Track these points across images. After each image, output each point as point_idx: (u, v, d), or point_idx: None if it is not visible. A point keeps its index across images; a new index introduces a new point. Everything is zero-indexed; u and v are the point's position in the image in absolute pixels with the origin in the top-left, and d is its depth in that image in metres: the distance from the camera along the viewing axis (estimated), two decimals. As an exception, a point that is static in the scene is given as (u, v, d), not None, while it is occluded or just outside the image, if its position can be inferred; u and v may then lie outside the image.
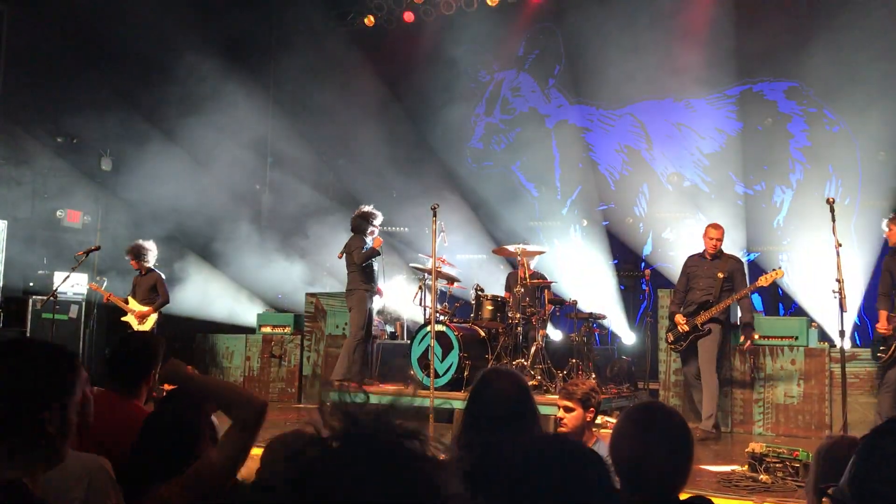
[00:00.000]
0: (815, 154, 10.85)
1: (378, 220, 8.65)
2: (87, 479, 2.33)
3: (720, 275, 7.39)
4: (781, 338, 7.82)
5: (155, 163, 11.03)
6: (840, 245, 6.06)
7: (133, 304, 9.19)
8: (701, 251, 7.70)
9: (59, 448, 1.89)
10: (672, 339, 7.60)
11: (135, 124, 11.04)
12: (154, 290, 9.26)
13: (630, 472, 2.23)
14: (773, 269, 7.34)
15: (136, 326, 9.06)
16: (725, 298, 7.27)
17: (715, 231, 7.56)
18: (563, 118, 12.76)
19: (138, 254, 9.21)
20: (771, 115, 11.27)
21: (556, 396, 7.01)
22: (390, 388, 8.41)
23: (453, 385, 8.01)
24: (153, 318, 9.20)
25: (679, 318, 7.49)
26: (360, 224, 8.59)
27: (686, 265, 7.80)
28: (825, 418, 7.47)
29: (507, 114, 13.26)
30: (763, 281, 7.27)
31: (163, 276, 9.43)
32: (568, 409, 3.97)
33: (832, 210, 6.11)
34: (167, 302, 9.40)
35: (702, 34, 11.04)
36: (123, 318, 9.21)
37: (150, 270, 9.31)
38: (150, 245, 9.32)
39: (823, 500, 1.91)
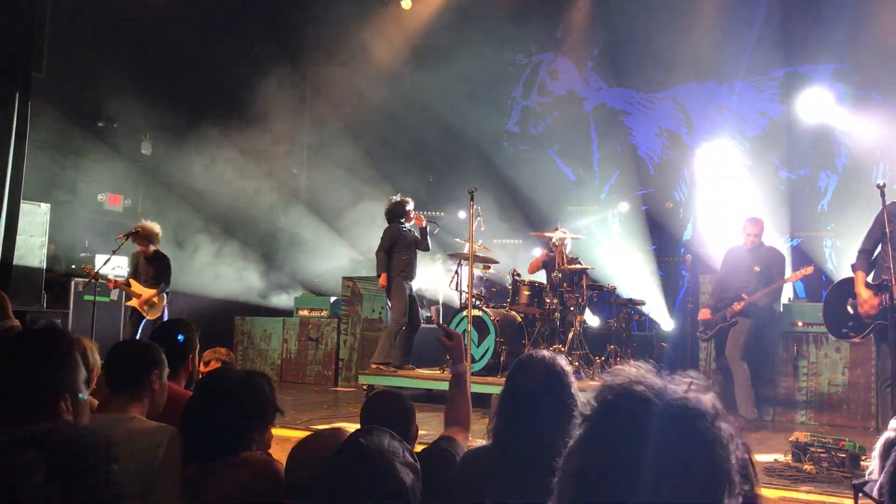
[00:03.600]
0: (862, 138, 10.56)
1: (410, 206, 8.61)
2: (164, 445, 2.47)
3: (756, 268, 7.20)
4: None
5: (194, 146, 11.11)
6: (890, 231, 5.86)
7: (137, 287, 8.77)
8: (741, 244, 7.50)
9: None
10: (700, 328, 7.50)
11: (174, 108, 11.12)
12: (159, 274, 8.83)
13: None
14: (805, 266, 7.12)
15: (143, 312, 8.67)
16: (760, 291, 7.10)
17: (752, 227, 7.31)
18: (602, 101, 12.60)
19: (150, 235, 8.80)
20: (815, 98, 10.98)
21: (597, 382, 6.95)
22: (425, 372, 8.39)
23: (489, 370, 7.97)
24: (161, 302, 8.79)
25: (704, 311, 7.44)
26: (392, 214, 8.57)
27: (726, 256, 7.63)
28: (871, 408, 7.29)
29: (544, 97, 13.13)
30: (793, 277, 7.09)
31: (170, 260, 9.00)
32: None
33: (883, 195, 5.91)
34: (169, 286, 8.97)
35: (746, 15, 10.79)
36: (128, 303, 8.88)
37: (157, 252, 8.89)
38: (157, 227, 8.92)
39: (860, 497, 1.84)
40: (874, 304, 5.87)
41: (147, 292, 8.73)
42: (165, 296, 8.91)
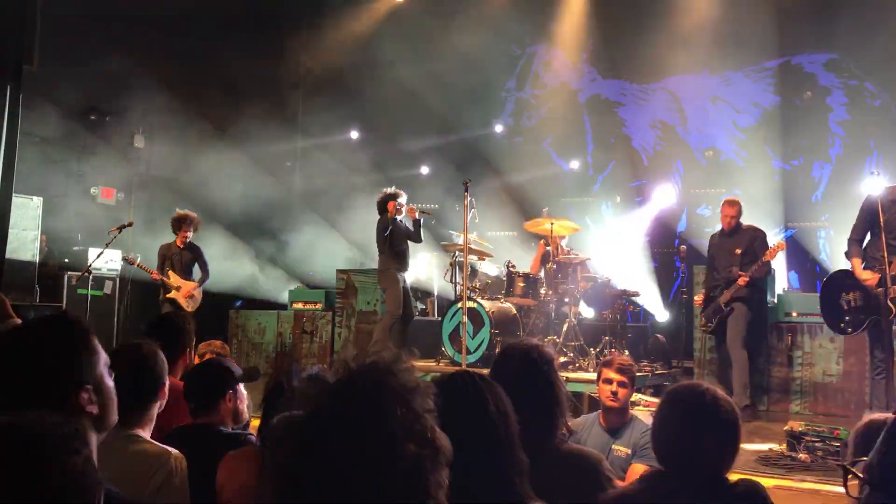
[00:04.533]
0: (856, 128, 10.59)
1: (402, 199, 8.57)
2: (165, 471, 2.34)
3: (737, 250, 7.27)
4: (820, 315, 7.65)
5: (186, 139, 11.06)
6: (885, 221, 5.87)
7: (176, 279, 8.69)
8: (720, 228, 7.59)
9: (106, 416, 1.85)
10: (704, 321, 7.56)
11: (166, 101, 11.06)
12: (195, 265, 8.84)
13: (676, 457, 2.16)
14: (776, 243, 7.22)
15: (184, 304, 8.59)
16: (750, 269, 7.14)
17: (730, 208, 7.41)
18: (596, 93, 12.58)
19: (192, 224, 8.72)
20: (810, 88, 11.01)
21: (592, 373, 6.96)
22: (421, 364, 8.39)
23: (484, 361, 7.96)
24: (200, 294, 8.79)
25: (697, 297, 7.58)
26: (383, 206, 8.54)
27: (709, 245, 7.74)
28: (865, 397, 7.31)
29: (538, 88, 13.10)
30: (768, 255, 7.09)
31: (203, 250, 9.02)
32: (622, 385, 3.94)
33: (877, 185, 5.93)
34: (209, 277, 9.00)
35: (739, 5, 10.78)
36: (168, 296, 8.69)
37: (191, 243, 8.88)
38: (195, 216, 8.89)
39: (849, 478, 1.84)
40: (877, 279, 5.91)
41: (188, 284, 8.66)
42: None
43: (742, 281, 7.12)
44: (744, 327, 7.18)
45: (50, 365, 1.75)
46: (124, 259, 8.86)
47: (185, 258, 8.75)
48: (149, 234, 10.33)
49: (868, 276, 5.94)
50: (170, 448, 2.45)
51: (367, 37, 12.66)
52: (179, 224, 8.71)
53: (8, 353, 1.78)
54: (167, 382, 2.64)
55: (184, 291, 8.61)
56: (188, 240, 8.74)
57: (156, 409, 2.59)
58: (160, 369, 2.59)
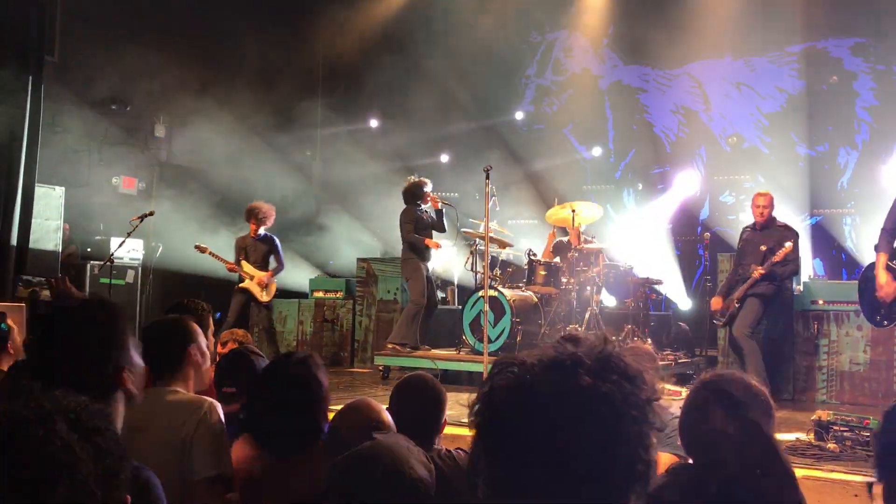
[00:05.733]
0: (883, 113, 10.40)
1: (428, 188, 8.54)
2: (199, 414, 2.54)
3: (762, 247, 7.03)
4: (847, 303, 7.52)
5: (207, 129, 11.08)
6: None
7: (251, 269, 8.69)
8: (753, 221, 7.35)
9: (135, 394, 1.97)
10: (717, 316, 7.37)
11: (187, 91, 11.08)
12: (269, 256, 8.85)
13: (706, 449, 2.11)
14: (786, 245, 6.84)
15: (258, 294, 8.66)
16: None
17: (762, 198, 7.14)
18: (617, 79, 12.45)
19: (261, 216, 8.73)
20: (836, 72, 10.82)
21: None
22: (441, 353, 8.37)
23: (506, 350, 7.93)
24: (274, 285, 8.83)
25: (716, 300, 7.30)
26: (410, 195, 8.50)
27: (740, 238, 7.51)
28: (893, 387, 7.21)
29: (558, 75, 12.99)
30: (779, 256, 6.78)
31: (278, 240, 8.98)
32: None
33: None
34: (283, 268, 9.04)
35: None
36: (242, 286, 8.69)
37: (265, 235, 8.86)
38: (272, 209, 8.89)
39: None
40: (890, 292, 5.56)
41: (260, 274, 8.71)
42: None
43: (757, 273, 6.87)
44: (752, 319, 6.96)
45: (95, 344, 1.91)
46: (196, 247, 8.85)
47: (260, 249, 8.80)
48: (171, 223, 10.37)
49: (884, 283, 5.57)
50: (202, 396, 2.68)
51: (386, 24, 12.59)
52: (248, 216, 8.81)
53: (58, 330, 1.96)
54: (199, 342, 2.83)
55: (256, 281, 8.67)
56: (259, 231, 8.77)
57: (191, 369, 2.78)
58: (180, 337, 2.79)
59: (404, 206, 8.52)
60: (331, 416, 2.72)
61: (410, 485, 1.92)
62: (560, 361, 1.10)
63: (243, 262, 8.70)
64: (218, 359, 3.87)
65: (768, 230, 7.14)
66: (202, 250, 8.72)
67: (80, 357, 1.87)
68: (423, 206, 8.51)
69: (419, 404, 2.80)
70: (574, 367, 1.09)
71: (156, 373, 2.73)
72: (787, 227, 7.23)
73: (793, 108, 11.03)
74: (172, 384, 2.71)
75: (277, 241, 8.94)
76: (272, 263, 8.91)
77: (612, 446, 1.07)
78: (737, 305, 7.08)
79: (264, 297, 8.73)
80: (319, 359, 2.80)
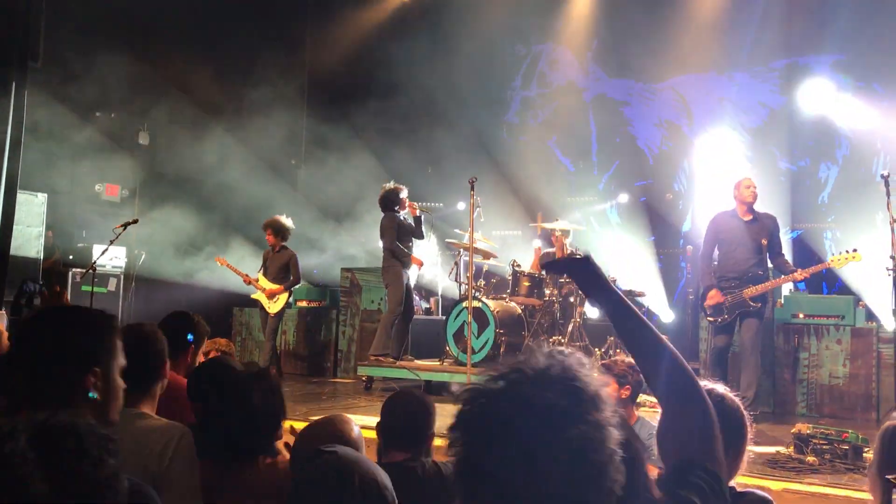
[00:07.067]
0: (863, 129, 10.53)
1: (404, 193, 8.51)
2: (173, 446, 2.33)
3: (764, 241, 6.70)
4: (827, 317, 7.61)
5: (191, 136, 11.05)
6: (895, 221, 5.83)
7: (263, 282, 9.00)
8: (731, 210, 6.94)
9: (108, 411, 1.89)
10: (709, 312, 6.93)
11: (172, 98, 11.06)
12: (286, 269, 9.03)
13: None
14: (850, 252, 6.41)
15: (266, 305, 8.95)
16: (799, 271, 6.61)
17: (751, 181, 6.86)
18: (602, 92, 12.55)
19: (279, 229, 8.98)
20: (817, 88, 10.95)
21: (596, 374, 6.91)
22: (424, 363, 8.37)
23: (489, 361, 7.94)
24: (284, 297, 9.00)
25: (714, 293, 6.80)
26: (387, 202, 8.48)
27: (715, 228, 6.96)
28: (872, 400, 7.28)
29: (543, 87, 13.07)
30: (836, 262, 6.48)
31: (297, 256, 9.18)
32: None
33: (887, 185, 5.89)
34: (298, 282, 9.26)
35: (746, 5, 10.75)
36: (254, 297, 9.11)
37: (284, 248, 9.09)
38: (289, 222, 9.12)
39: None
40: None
41: (270, 286, 8.96)
42: (290, 292, 9.18)
43: (800, 276, 6.55)
44: (761, 329, 6.89)
45: (67, 346, 1.84)
46: (217, 260, 9.27)
47: (277, 261, 9.07)
48: (154, 231, 10.32)
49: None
50: (175, 422, 2.48)
51: (372, 34, 12.63)
52: (264, 229, 9.11)
53: (33, 331, 1.90)
54: (167, 361, 2.69)
55: (267, 293, 8.98)
56: (275, 244, 9.07)
57: (158, 387, 2.63)
58: (160, 348, 2.65)
59: (384, 214, 8.51)
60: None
61: (391, 498, 1.92)
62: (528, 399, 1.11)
63: (260, 275, 9.05)
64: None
65: (757, 221, 6.85)
66: (220, 262, 9.15)
67: (49, 355, 1.83)
68: (401, 212, 8.50)
69: (410, 415, 2.81)
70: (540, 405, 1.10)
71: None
72: (769, 216, 7.00)
73: (774, 123, 11.16)
74: (140, 405, 2.47)
75: (296, 255, 9.17)
76: (289, 277, 9.13)
77: (585, 478, 1.08)
78: (751, 307, 6.72)
79: (272, 308, 8.99)
80: (276, 378, 2.72)
